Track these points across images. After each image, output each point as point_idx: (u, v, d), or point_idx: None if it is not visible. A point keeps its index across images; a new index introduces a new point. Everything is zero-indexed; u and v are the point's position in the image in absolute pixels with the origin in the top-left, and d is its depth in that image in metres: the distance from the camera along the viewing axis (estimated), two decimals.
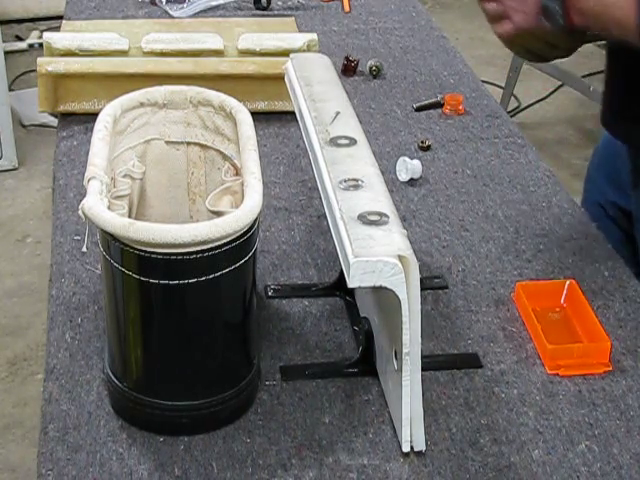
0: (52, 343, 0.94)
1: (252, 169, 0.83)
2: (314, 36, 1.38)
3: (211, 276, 0.78)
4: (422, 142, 1.28)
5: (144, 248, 0.76)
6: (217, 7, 1.65)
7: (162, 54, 1.34)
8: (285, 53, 1.30)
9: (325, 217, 0.87)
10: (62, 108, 1.32)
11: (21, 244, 2.60)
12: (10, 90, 3.01)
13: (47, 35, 1.34)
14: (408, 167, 1.21)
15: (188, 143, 0.95)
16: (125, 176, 0.90)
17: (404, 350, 0.79)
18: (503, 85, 3.12)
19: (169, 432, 0.84)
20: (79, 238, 1.07)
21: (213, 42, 1.36)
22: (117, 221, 0.76)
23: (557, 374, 0.93)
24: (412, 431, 0.82)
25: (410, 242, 0.79)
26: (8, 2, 3.73)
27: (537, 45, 1.04)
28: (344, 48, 1.55)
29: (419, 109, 1.39)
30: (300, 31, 1.51)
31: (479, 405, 0.89)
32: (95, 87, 1.30)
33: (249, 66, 1.32)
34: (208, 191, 0.93)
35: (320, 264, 1.06)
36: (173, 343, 0.82)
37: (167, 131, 0.94)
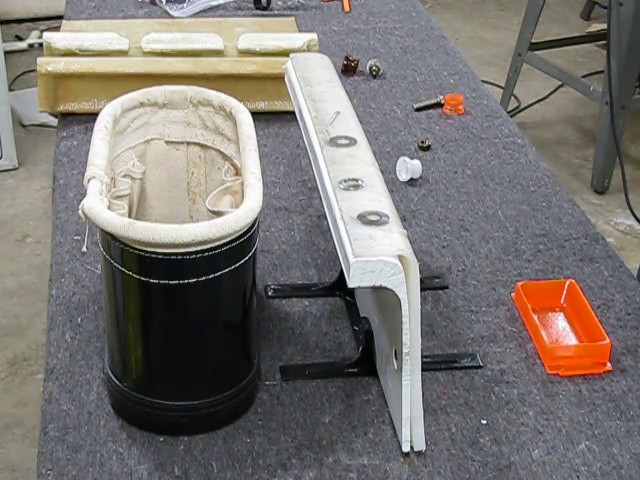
0: (52, 343, 0.94)
1: (252, 169, 0.83)
2: (314, 36, 1.38)
3: (211, 276, 0.78)
4: (422, 142, 1.28)
5: (144, 248, 0.76)
6: (217, 7, 1.65)
7: (162, 54, 1.34)
8: (285, 53, 1.30)
9: (325, 217, 0.87)
10: (62, 108, 1.32)
11: (21, 244, 2.60)
12: (10, 90, 3.01)
13: (47, 35, 1.34)
14: (408, 167, 1.21)
15: (188, 143, 0.95)
16: (125, 176, 0.90)
17: (404, 350, 0.79)
18: (503, 85, 3.12)
19: (169, 432, 0.84)
20: (79, 238, 1.07)
21: (213, 42, 1.36)
22: (117, 221, 0.76)
23: (557, 374, 0.93)
24: (412, 431, 0.82)
25: (410, 242, 0.79)
26: (8, 2, 3.73)
27: None
28: (344, 48, 1.55)
29: (419, 109, 1.39)
30: (300, 31, 1.51)
31: (479, 405, 0.89)
32: (95, 87, 1.30)
33: (249, 66, 1.32)
34: (208, 191, 0.93)
35: (320, 264, 1.06)
36: (173, 343, 0.82)
37: (167, 131, 0.94)
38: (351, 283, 0.76)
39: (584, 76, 3.06)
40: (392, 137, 1.31)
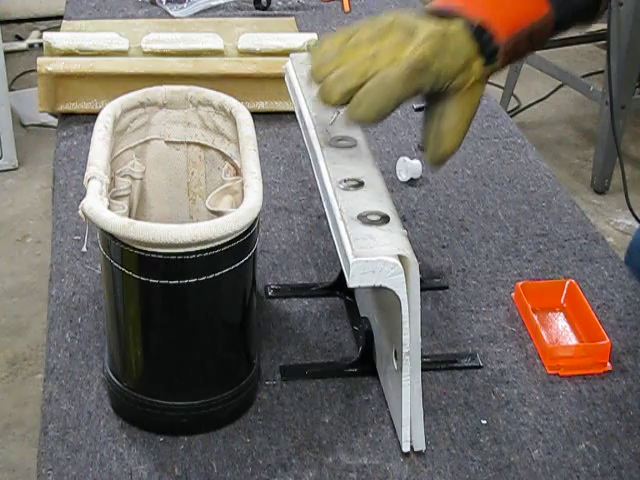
0: (52, 343, 0.94)
1: (252, 169, 0.83)
2: (314, 36, 1.38)
3: (211, 276, 0.78)
4: (422, 142, 1.28)
5: (144, 248, 0.76)
6: (217, 7, 1.65)
7: (162, 54, 1.34)
8: (285, 53, 1.30)
9: (325, 217, 0.87)
10: (62, 108, 1.32)
11: (21, 244, 2.60)
12: (10, 90, 3.01)
13: (47, 35, 1.34)
14: (408, 167, 1.21)
15: (188, 143, 0.95)
16: (125, 176, 0.90)
17: (404, 350, 0.79)
18: (503, 85, 3.12)
19: (169, 432, 0.84)
20: (79, 238, 1.07)
21: (213, 42, 1.36)
22: (117, 221, 0.76)
23: (557, 374, 0.93)
24: (412, 431, 0.82)
25: (410, 242, 0.79)
26: (8, 2, 3.73)
27: None
28: None
29: (419, 109, 1.39)
30: (300, 31, 1.51)
31: (479, 405, 0.89)
32: (95, 87, 1.30)
33: (249, 66, 1.32)
34: (208, 191, 0.93)
35: (320, 264, 1.06)
36: (173, 343, 0.82)
37: (167, 131, 0.94)
38: (351, 283, 0.76)
39: (584, 76, 3.06)
40: (392, 137, 1.31)
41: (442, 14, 0.89)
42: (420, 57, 0.84)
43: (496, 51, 0.89)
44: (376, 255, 0.76)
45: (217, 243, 0.77)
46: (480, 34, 0.88)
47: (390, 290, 0.77)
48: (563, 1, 0.92)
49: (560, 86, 3.16)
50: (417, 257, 0.78)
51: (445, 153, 0.91)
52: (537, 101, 3.20)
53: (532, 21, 0.91)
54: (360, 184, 0.84)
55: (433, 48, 0.85)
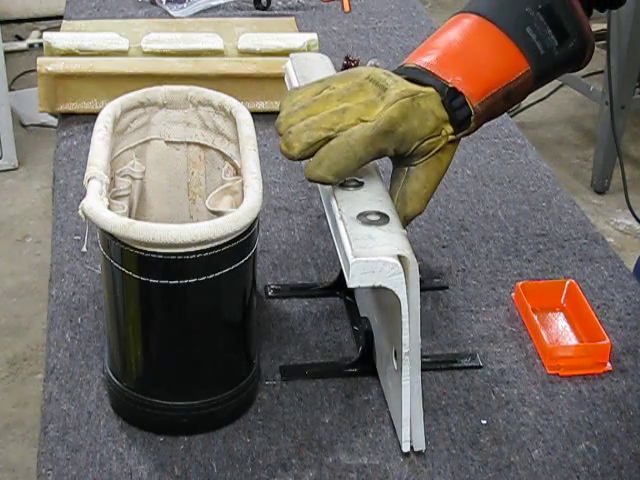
0: (52, 343, 0.94)
1: (252, 169, 0.83)
2: (314, 36, 1.38)
3: (211, 276, 0.78)
4: None
5: (144, 248, 0.76)
6: (217, 7, 1.65)
7: (162, 54, 1.34)
8: (285, 53, 1.30)
9: (325, 217, 0.87)
10: (62, 108, 1.32)
11: (21, 244, 2.61)
12: (10, 90, 3.01)
13: (47, 35, 1.34)
14: None
15: (188, 143, 0.95)
16: (125, 176, 0.90)
17: (404, 350, 0.79)
18: None
19: (169, 432, 0.84)
20: (79, 238, 1.07)
21: (213, 42, 1.36)
22: (117, 221, 0.76)
23: (557, 374, 0.93)
24: (412, 431, 0.82)
25: (410, 242, 0.79)
26: (8, 2, 3.73)
27: None
28: (344, 48, 1.55)
29: None
30: (300, 31, 1.51)
31: (479, 405, 0.89)
32: (95, 87, 1.30)
33: (249, 66, 1.32)
34: (208, 191, 0.93)
35: (320, 264, 1.06)
36: (173, 343, 0.82)
37: (167, 131, 0.94)
38: (351, 283, 0.76)
39: (584, 76, 3.06)
40: None
41: (415, 73, 0.87)
42: (387, 119, 0.83)
43: (469, 116, 0.87)
44: (376, 255, 0.76)
45: (217, 243, 0.77)
46: (452, 98, 0.86)
47: (390, 290, 0.77)
48: (543, 55, 0.89)
49: (560, 86, 3.16)
50: (417, 257, 0.78)
51: (408, 217, 0.90)
52: (537, 101, 3.20)
53: (509, 79, 0.89)
54: (360, 184, 0.84)
55: (402, 110, 0.84)
